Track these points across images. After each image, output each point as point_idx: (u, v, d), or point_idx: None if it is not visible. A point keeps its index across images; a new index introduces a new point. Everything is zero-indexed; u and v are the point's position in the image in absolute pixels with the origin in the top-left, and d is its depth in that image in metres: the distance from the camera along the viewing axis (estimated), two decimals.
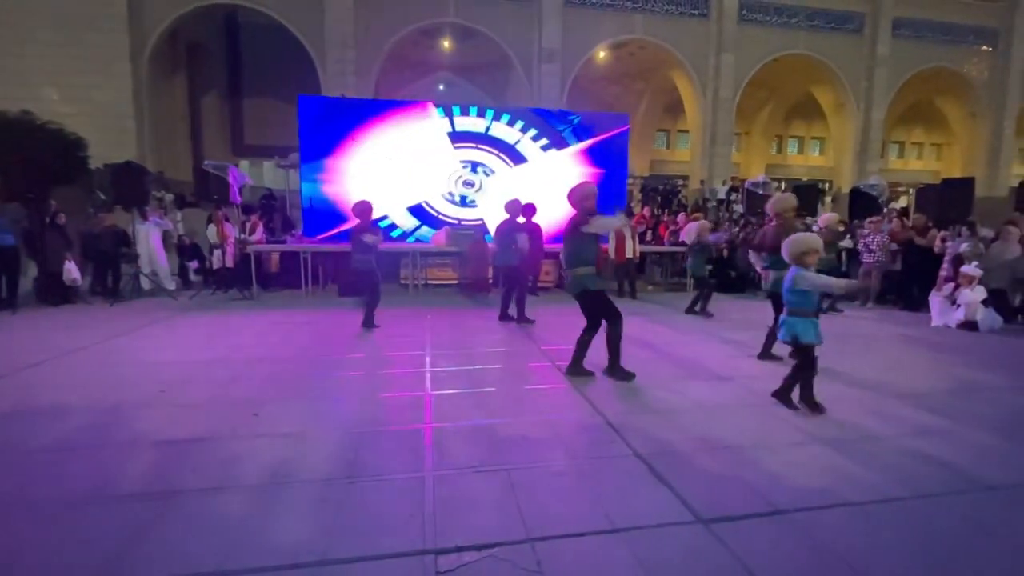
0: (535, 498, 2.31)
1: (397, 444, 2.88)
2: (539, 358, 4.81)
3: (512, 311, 6.55)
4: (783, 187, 18.04)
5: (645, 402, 3.62)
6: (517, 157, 10.26)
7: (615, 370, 4.12)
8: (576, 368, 4.20)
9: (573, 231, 4.08)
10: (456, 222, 9.99)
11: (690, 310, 7.36)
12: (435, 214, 10.10)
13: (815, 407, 3.43)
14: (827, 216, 7.99)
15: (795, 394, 3.52)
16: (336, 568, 1.84)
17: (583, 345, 4.19)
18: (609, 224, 4.31)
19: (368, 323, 6.02)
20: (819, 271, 5.40)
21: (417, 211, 10.04)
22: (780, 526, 2.12)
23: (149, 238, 9.02)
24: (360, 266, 5.96)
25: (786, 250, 3.54)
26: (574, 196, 4.12)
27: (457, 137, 10.02)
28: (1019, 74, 20.95)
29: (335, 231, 9.43)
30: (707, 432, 3.07)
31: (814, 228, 7.76)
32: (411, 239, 9.98)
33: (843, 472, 2.60)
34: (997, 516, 2.25)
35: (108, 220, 8.68)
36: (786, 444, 2.93)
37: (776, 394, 3.57)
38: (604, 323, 4.10)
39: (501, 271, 6.99)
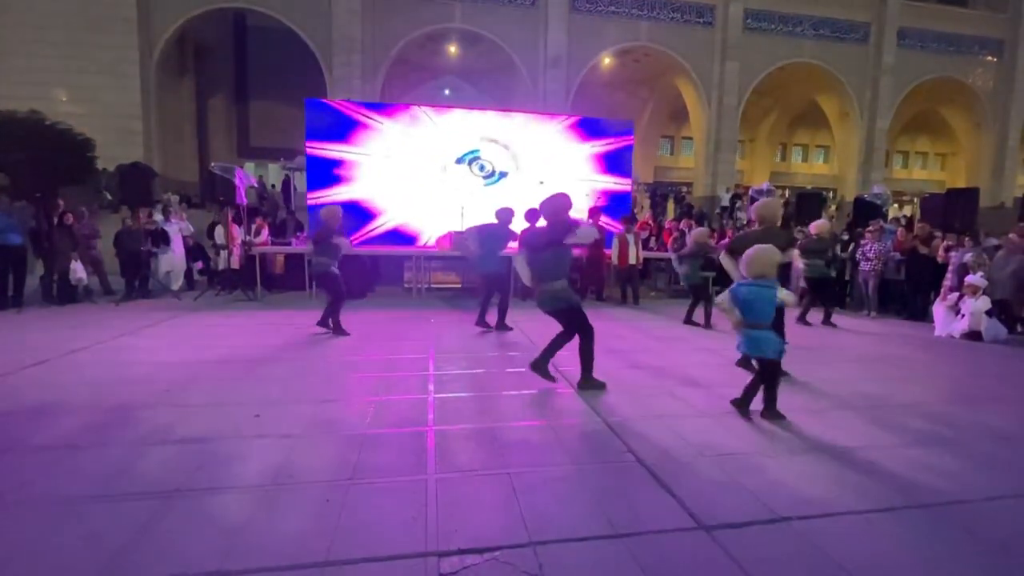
0: (537, 502, 2.31)
1: (400, 447, 2.88)
2: None
3: (490, 317, 6.41)
4: (787, 195, 18.02)
5: (647, 408, 3.62)
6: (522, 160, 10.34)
7: (587, 381, 4.00)
8: (542, 365, 4.04)
9: (551, 245, 3.87)
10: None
11: (688, 320, 7.12)
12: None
13: (778, 416, 3.42)
14: (819, 223, 7.80)
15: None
16: (338, 569, 1.85)
17: (555, 346, 4.05)
18: (591, 234, 4.04)
19: (325, 323, 5.88)
20: (809, 277, 5.62)
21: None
22: (782, 534, 2.12)
23: (175, 239, 9.10)
24: (319, 268, 5.86)
25: (747, 266, 3.45)
26: (549, 208, 3.91)
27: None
28: None
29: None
30: (708, 438, 3.07)
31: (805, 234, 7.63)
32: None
33: (845, 480, 2.60)
34: (998, 527, 2.24)
35: (143, 219, 8.67)
36: (787, 451, 2.93)
37: (736, 403, 3.56)
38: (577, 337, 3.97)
39: (484, 277, 6.75)
